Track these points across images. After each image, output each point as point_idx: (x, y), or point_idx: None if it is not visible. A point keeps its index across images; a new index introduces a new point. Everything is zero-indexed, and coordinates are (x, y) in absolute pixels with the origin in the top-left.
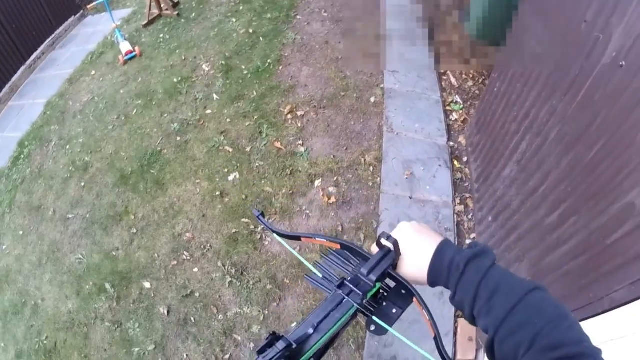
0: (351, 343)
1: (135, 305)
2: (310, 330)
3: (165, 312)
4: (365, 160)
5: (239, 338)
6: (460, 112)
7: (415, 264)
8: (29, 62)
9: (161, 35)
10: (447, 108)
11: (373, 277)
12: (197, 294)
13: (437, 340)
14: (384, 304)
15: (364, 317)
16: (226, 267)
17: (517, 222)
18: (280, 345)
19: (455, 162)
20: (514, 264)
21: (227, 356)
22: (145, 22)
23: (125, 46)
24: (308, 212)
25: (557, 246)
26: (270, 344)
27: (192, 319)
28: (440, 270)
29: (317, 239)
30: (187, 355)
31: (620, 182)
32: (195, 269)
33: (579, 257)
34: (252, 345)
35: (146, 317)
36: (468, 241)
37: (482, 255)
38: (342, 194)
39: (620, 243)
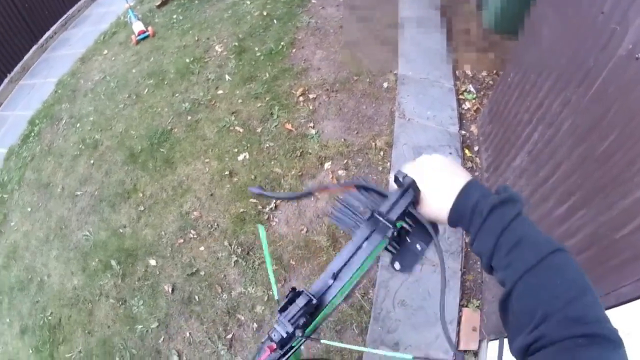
0: (354, 327)
1: (140, 283)
2: (330, 281)
3: (170, 290)
4: (375, 144)
5: (242, 318)
6: (473, 101)
7: (437, 203)
8: (41, 41)
9: (174, 16)
10: (460, 97)
11: (393, 217)
12: (202, 273)
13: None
14: (408, 240)
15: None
16: (232, 247)
17: (526, 214)
18: (301, 301)
19: (467, 151)
20: None
21: (230, 335)
22: (159, 2)
23: (138, 26)
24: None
25: (564, 239)
26: (290, 300)
27: (196, 297)
28: (463, 213)
29: (331, 188)
30: (189, 333)
31: (632, 175)
32: (202, 248)
33: (585, 250)
34: (255, 325)
35: (150, 295)
36: None
37: (509, 202)
38: (351, 177)
39: (629, 238)
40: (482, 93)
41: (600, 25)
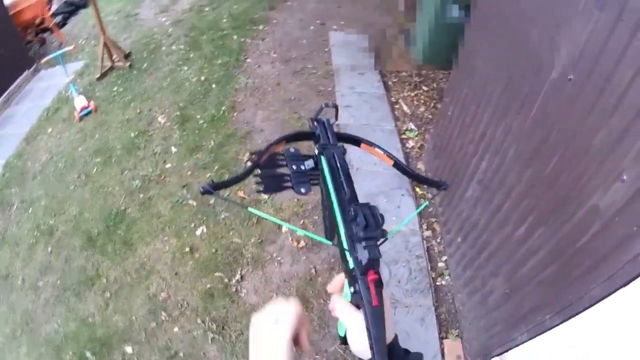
0: None
1: None
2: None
3: None
4: None
5: None
6: (416, 138)
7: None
8: None
9: (115, 88)
10: (403, 136)
11: (335, 141)
12: (181, 354)
13: (398, 163)
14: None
15: None
16: (206, 324)
17: (486, 240)
18: (366, 210)
19: (417, 189)
20: (490, 279)
21: None
22: (99, 75)
23: (79, 101)
24: (279, 258)
25: (527, 258)
26: (364, 216)
27: None
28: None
29: (266, 153)
30: None
31: (581, 188)
32: (176, 329)
33: (550, 265)
34: None
35: None
36: (440, 264)
37: None
38: (310, 237)
39: (589, 245)
40: (423, 129)
41: (530, 51)
